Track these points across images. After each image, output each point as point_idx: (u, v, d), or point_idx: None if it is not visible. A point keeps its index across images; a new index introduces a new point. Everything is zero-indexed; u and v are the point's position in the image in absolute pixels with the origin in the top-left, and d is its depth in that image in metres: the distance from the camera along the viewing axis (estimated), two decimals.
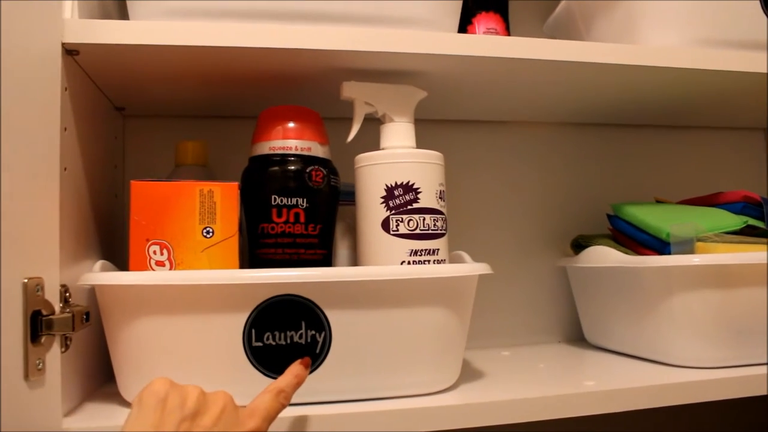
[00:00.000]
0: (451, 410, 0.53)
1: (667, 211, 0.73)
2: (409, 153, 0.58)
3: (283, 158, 0.58)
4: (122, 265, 0.62)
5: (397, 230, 0.56)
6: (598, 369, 0.67)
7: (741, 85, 0.70)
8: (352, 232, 0.64)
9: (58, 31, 0.50)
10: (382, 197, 0.57)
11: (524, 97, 0.74)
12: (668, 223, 0.67)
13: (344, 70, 0.60)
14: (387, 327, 0.53)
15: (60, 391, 0.48)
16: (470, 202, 0.84)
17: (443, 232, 0.58)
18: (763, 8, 0.67)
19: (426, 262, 0.57)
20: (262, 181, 0.58)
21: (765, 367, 0.62)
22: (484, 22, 0.71)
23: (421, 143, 0.61)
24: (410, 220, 0.57)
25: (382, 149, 0.60)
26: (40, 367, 0.44)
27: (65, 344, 0.49)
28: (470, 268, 0.56)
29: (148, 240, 0.53)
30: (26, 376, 0.43)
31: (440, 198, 0.58)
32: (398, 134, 0.60)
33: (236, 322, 0.51)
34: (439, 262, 0.57)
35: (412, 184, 0.57)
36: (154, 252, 0.53)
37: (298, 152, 0.58)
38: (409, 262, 0.56)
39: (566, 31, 0.78)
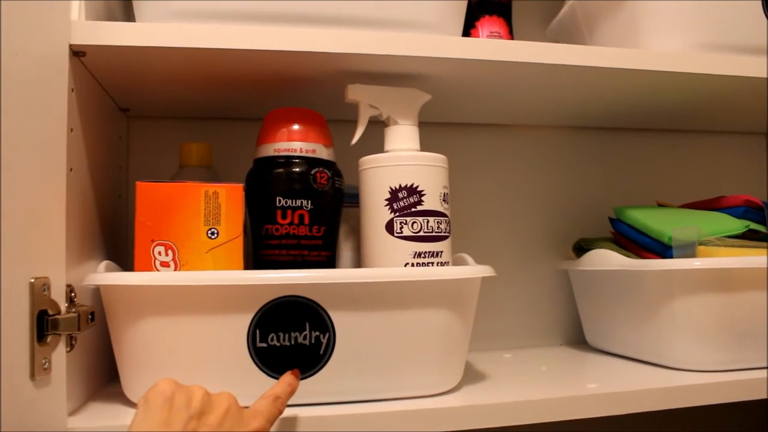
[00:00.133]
0: (454, 412, 0.53)
1: (669, 215, 0.73)
2: (413, 155, 0.59)
3: (288, 160, 0.58)
4: (125, 265, 0.63)
5: (401, 232, 0.57)
6: (600, 372, 0.67)
7: (743, 89, 0.70)
8: (356, 233, 0.65)
9: (66, 32, 0.50)
10: (386, 199, 0.57)
11: (527, 100, 0.74)
12: (670, 227, 0.67)
13: (349, 73, 0.60)
14: (390, 328, 0.54)
15: (65, 390, 0.48)
16: (473, 204, 0.84)
17: (447, 234, 0.59)
18: (764, 11, 0.67)
19: (429, 265, 0.57)
20: (266, 183, 0.58)
21: (765, 371, 0.63)
22: (487, 25, 0.71)
23: (424, 146, 0.61)
24: (414, 222, 0.57)
25: (387, 152, 0.60)
26: (45, 366, 0.45)
27: (70, 344, 0.49)
28: (473, 270, 0.57)
29: (153, 241, 0.53)
30: (32, 376, 0.43)
31: (444, 200, 0.59)
32: (402, 137, 0.60)
33: (241, 323, 0.51)
34: (442, 264, 0.58)
35: (416, 187, 0.57)
36: (159, 253, 0.53)
37: (302, 154, 0.58)
38: (412, 264, 0.56)
39: (569, 34, 0.78)
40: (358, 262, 0.64)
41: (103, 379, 0.61)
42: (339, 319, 0.53)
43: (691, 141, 0.93)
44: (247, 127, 0.74)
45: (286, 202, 0.57)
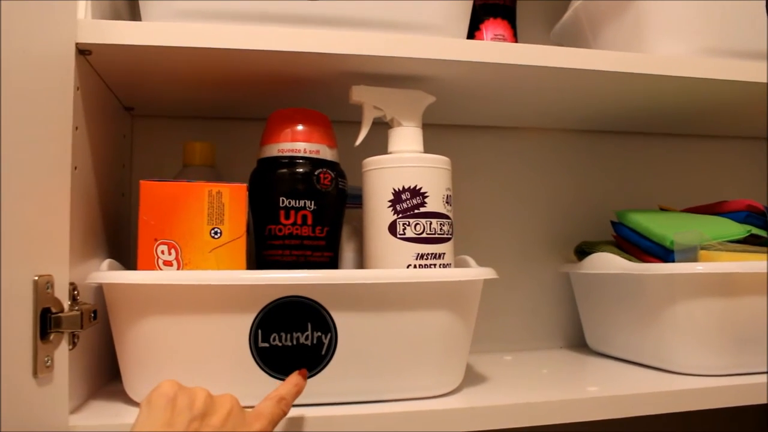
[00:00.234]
0: (455, 413, 0.53)
1: (671, 219, 0.73)
2: (416, 157, 0.59)
3: (292, 160, 0.58)
4: (128, 264, 0.63)
5: (404, 234, 0.57)
6: (601, 375, 0.67)
7: (745, 94, 0.70)
8: (359, 234, 0.65)
9: (72, 31, 0.50)
10: (389, 201, 0.57)
11: (531, 103, 0.74)
12: (672, 231, 0.67)
13: (353, 74, 0.60)
14: (392, 330, 0.54)
15: (67, 388, 0.48)
16: (475, 206, 0.84)
17: (449, 236, 0.59)
18: None
19: (432, 266, 0.57)
20: (270, 183, 0.58)
21: (766, 375, 0.63)
22: (491, 28, 0.71)
23: (427, 148, 0.61)
24: (417, 223, 0.57)
25: (390, 153, 0.60)
26: (48, 364, 0.45)
27: (73, 342, 0.49)
28: (476, 272, 0.57)
29: (156, 240, 0.53)
30: (35, 373, 0.43)
31: (447, 202, 0.59)
32: (406, 138, 0.60)
33: (243, 323, 0.51)
34: (444, 266, 0.58)
35: (420, 188, 0.57)
36: (162, 252, 0.53)
37: (306, 155, 0.58)
38: (415, 266, 0.57)
39: (573, 38, 0.78)
40: (361, 263, 0.64)
41: (105, 378, 0.61)
42: (341, 320, 0.53)
43: (694, 145, 0.93)
44: (250, 127, 0.75)
45: (289, 203, 0.57)
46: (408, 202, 0.57)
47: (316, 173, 0.58)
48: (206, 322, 0.51)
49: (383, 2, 0.57)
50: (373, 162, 0.59)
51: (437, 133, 0.81)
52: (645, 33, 0.68)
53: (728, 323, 0.63)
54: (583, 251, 0.80)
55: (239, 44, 0.53)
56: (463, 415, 0.53)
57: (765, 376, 0.63)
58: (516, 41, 0.73)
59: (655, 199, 0.90)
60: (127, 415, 0.51)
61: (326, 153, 0.60)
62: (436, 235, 0.57)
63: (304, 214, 0.57)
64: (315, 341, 0.52)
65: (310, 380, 0.52)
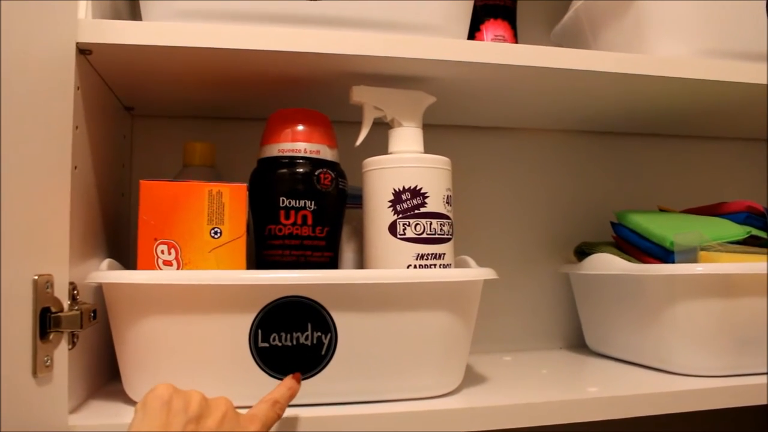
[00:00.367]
0: (455, 414, 0.53)
1: (671, 220, 0.73)
2: (417, 157, 0.59)
3: (292, 160, 0.58)
4: (128, 264, 0.63)
5: (404, 234, 0.57)
6: (601, 375, 0.67)
7: (745, 95, 0.71)
8: (358, 235, 0.65)
9: (73, 30, 0.50)
10: (389, 201, 0.57)
11: (531, 104, 0.74)
12: (672, 232, 0.67)
13: (354, 75, 0.60)
14: (392, 330, 0.54)
15: (67, 388, 0.48)
16: (475, 207, 0.84)
17: (449, 236, 0.59)
18: None
19: (432, 266, 0.57)
20: (270, 183, 0.58)
21: (766, 376, 0.63)
22: (492, 29, 0.71)
23: (428, 148, 0.61)
24: (417, 224, 0.57)
25: (391, 153, 0.60)
26: (48, 363, 0.45)
27: (72, 342, 0.49)
28: (476, 272, 0.57)
29: (156, 239, 0.53)
30: (34, 373, 0.43)
31: (447, 203, 0.59)
32: (406, 139, 0.60)
33: (243, 323, 0.51)
34: (444, 266, 0.58)
35: (420, 189, 0.57)
36: (162, 251, 0.53)
37: (307, 155, 0.58)
38: (415, 266, 0.57)
39: (574, 39, 0.78)
40: (361, 264, 0.64)
41: (104, 378, 0.61)
42: (341, 320, 0.53)
43: (694, 146, 0.93)
44: (251, 128, 0.75)
45: (289, 203, 0.57)
46: (408, 202, 0.57)
47: (316, 173, 0.58)
48: (206, 322, 0.51)
49: (384, 3, 0.57)
50: (373, 162, 0.59)
51: (437, 134, 0.81)
52: (645, 34, 0.68)
53: (728, 324, 0.63)
54: (582, 252, 0.80)
55: (240, 44, 0.53)
56: (463, 415, 0.53)
57: (765, 377, 0.63)
58: (516, 42, 0.73)
59: (655, 200, 0.90)
60: (127, 415, 0.51)
61: (326, 153, 0.60)
62: (437, 236, 0.57)
63: (304, 214, 0.57)
64: (315, 341, 0.52)
65: (310, 380, 0.52)
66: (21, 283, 0.41)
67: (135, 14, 0.67)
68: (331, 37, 0.55)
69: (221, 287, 0.51)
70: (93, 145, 0.57)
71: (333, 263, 0.60)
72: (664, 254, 0.68)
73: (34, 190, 0.43)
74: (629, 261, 0.70)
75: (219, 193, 0.54)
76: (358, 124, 0.61)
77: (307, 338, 0.52)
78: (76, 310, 0.48)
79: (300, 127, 0.59)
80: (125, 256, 0.68)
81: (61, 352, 0.47)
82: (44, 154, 0.45)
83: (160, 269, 0.53)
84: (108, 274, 0.51)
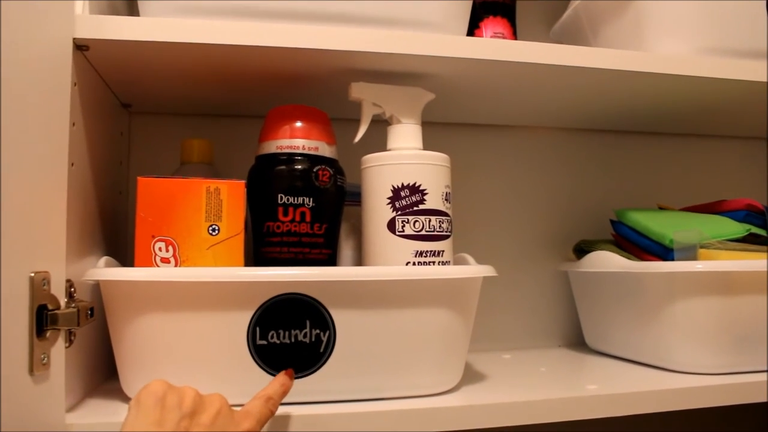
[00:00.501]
0: (453, 412, 0.53)
1: (670, 218, 0.73)
2: (416, 154, 0.59)
3: (290, 157, 0.58)
4: (125, 262, 0.63)
5: (403, 231, 0.57)
6: (600, 373, 0.67)
7: (745, 93, 0.70)
8: (357, 232, 0.65)
9: (70, 26, 0.50)
10: (388, 198, 0.57)
11: (530, 101, 0.74)
12: (672, 230, 0.67)
13: (353, 71, 0.60)
14: (391, 327, 0.53)
15: (64, 386, 0.48)
16: (473, 205, 0.84)
17: (448, 233, 0.58)
18: None
19: (431, 264, 0.57)
20: (268, 180, 0.58)
21: (765, 374, 0.63)
22: (491, 26, 0.71)
23: (426, 146, 0.61)
24: (416, 221, 0.57)
25: (389, 150, 0.60)
26: (44, 361, 0.44)
27: (69, 339, 0.49)
28: (475, 270, 0.56)
29: (153, 236, 0.53)
30: (31, 371, 0.43)
31: (446, 200, 0.59)
32: (405, 135, 0.60)
33: (241, 320, 0.51)
34: (443, 263, 0.58)
35: (419, 186, 0.57)
36: (160, 249, 0.53)
37: (305, 152, 0.58)
38: (414, 263, 0.56)
39: (573, 36, 0.78)
40: (359, 261, 0.64)
41: (102, 376, 0.61)
42: (339, 317, 0.52)
43: (693, 145, 0.93)
44: (248, 125, 0.74)
45: (287, 200, 0.57)
46: (407, 199, 0.57)
47: (314, 170, 0.58)
48: (204, 319, 0.51)
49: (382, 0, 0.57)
50: (372, 159, 0.59)
51: (436, 132, 0.80)
52: (645, 32, 0.68)
53: (727, 322, 0.63)
54: (582, 250, 0.80)
55: (238, 40, 0.53)
56: (462, 413, 0.53)
57: (764, 374, 0.62)
58: (515, 39, 0.73)
59: (655, 198, 0.90)
60: (124, 413, 0.50)
61: (325, 150, 0.59)
62: (435, 233, 0.57)
63: (302, 211, 0.57)
64: (313, 339, 0.52)
65: (308, 378, 0.52)
66: (17, 280, 0.41)
67: (133, 11, 0.67)
68: (330, 34, 0.54)
69: (219, 284, 0.51)
70: (90, 142, 0.56)
71: (331, 260, 0.60)
72: (663, 252, 0.68)
73: (31, 186, 0.43)
74: (628, 259, 0.70)
75: (217, 190, 0.54)
76: (357, 121, 0.61)
77: (305, 336, 0.52)
78: (73, 307, 0.48)
79: (298, 124, 0.59)
80: (123, 253, 0.68)
81: (58, 350, 0.47)
82: (41, 151, 0.45)
83: (158, 266, 0.53)
84: (105, 271, 0.51)
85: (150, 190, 0.53)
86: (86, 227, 0.55)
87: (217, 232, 0.54)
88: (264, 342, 0.51)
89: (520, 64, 0.59)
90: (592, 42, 0.75)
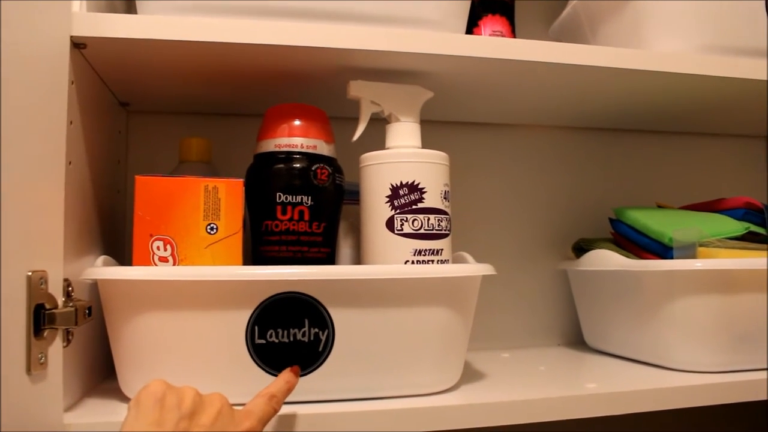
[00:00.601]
0: (453, 410, 0.53)
1: (669, 216, 0.73)
2: (414, 153, 0.59)
3: (289, 156, 0.58)
4: (123, 261, 0.62)
5: (402, 229, 0.56)
6: (599, 372, 0.67)
7: (744, 91, 0.70)
8: (355, 231, 0.64)
9: (67, 24, 0.50)
10: (387, 196, 0.57)
11: (528, 99, 0.74)
12: (671, 228, 0.67)
13: (351, 69, 0.60)
14: (390, 326, 0.53)
15: (61, 385, 0.48)
16: (472, 203, 0.84)
17: (447, 232, 0.58)
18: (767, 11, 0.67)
19: (430, 262, 0.57)
20: (267, 178, 0.58)
21: (765, 372, 0.63)
22: (490, 24, 0.71)
23: (425, 144, 0.61)
24: (415, 219, 0.57)
25: (388, 149, 0.60)
26: (42, 361, 0.44)
27: (67, 339, 0.49)
28: (474, 268, 0.56)
29: (151, 235, 0.53)
30: (28, 370, 0.42)
31: (445, 198, 0.58)
32: (404, 134, 0.60)
33: (239, 319, 0.51)
34: (442, 262, 0.57)
35: (417, 184, 0.57)
36: (158, 247, 0.53)
37: (303, 150, 0.58)
38: (412, 262, 0.56)
39: (572, 35, 0.78)
40: (358, 260, 0.64)
41: (100, 375, 0.61)
42: (338, 316, 0.52)
43: (692, 143, 0.93)
44: (247, 123, 0.74)
45: (286, 198, 0.57)
46: (406, 197, 0.57)
47: (313, 169, 0.58)
48: (202, 318, 0.51)
49: None
50: (370, 157, 0.59)
51: (435, 130, 0.80)
52: (643, 30, 0.68)
53: (726, 320, 0.63)
54: (580, 248, 0.80)
55: (236, 38, 0.53)
56: (461, 412, 0.53)
57: (763, 372, 0.62)
58: (514, 38, 0.72)
59: (654, 196, 0.90)
60: (123, 412, 0.50)
61: (323, 148, 0.59)
62: (434, 231, 0.57)
63: (301, 209, 0.57)
64: (312, 338, 0.52)
65: (307, 377, 0.52)
66: (15, 279, 0.41)
67: (130, 9, 0.66)
68: (329, 31, 0.54)
69: (217, 283, 0.50)
70: (88, 141, 0.56)
71: (330, 259, 0.60)
72: (662, 250, 0.68)
73: (28, 185, 0.43)
74: (627, 257, 0.70)
75: (215, 189, 0.54)
76: (356, 120, 0.60)
77: (304, 335, 0.52)
78: (71, 306, 0.47)
79: (297, 122, 0.59)
80: (120, 252, 0.68)
81: (56, 350, 0.46)
82: (38, 150, 0.44)
83: (156, 265, 0.53)
84: (103, 270, 0.51)
85: (148, 188, 0.53)
86: (84, 226, 0.55)
87: (215, 230, 0.54)
88: (263, 341, 0.51)
89: (518, 62, 0.59)
90: (590, 40, 0.75)
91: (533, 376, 0.65)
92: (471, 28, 0.70)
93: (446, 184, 0.59)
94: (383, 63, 0.59)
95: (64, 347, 0.48)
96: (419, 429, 0.52)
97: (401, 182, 0.57)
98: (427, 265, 0.56)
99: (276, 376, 0.51)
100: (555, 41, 0.70)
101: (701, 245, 0.66)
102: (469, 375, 0.64)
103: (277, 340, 0.51)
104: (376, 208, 0.57)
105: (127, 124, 0.74)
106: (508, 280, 0.84)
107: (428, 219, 0.57)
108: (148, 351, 0.51)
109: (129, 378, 0.52)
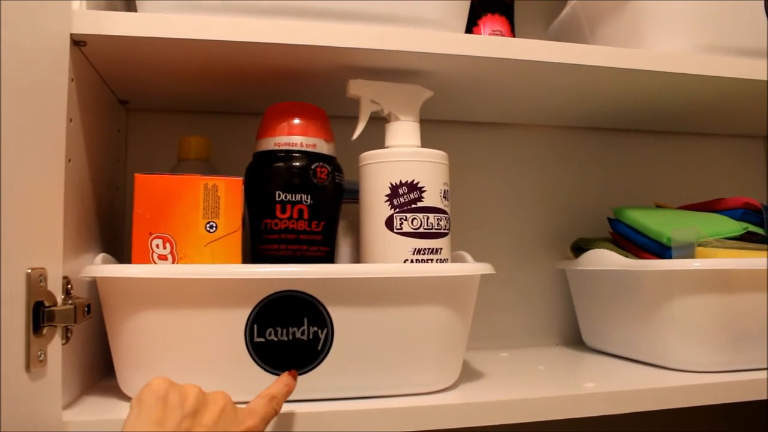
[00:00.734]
0: (451, 409, 0.53)
1: (668, 216, 0.73)
2: (414, 152, 0.59)
3: (288, 154, 0.58)
4: (122, 259, 0.62)
5: (401, 228, 0.56)
6: (597, 371, 0.67)
7: (743, 91, 0.70)
8: (355, 230, 0.64)
9: (67, 21, 0.49)
10: (386, 195, 0.57)
11: (528, 99, 0.74)
12: (669, 228, 0.67)
13: (351, 68, 0.60)
14: (389, 325, 0.53)
15: (60, 383, 0.47)
16: (471, 203, 0.84)
17: (446, 231, 0.58)
18: (767, 12, 0.67)
19: (429, 261, 0.57)
20: (266, 177, 0.58)
21: (764, 372, 0.63)
22: (489, 24, 0.71)
23: (425, 143, 0.61)
24: (414, 218, 0.57)
25: (387, 147, 0.60)
26: (41, 358, 0.44)
27: (66, 336, 0.49)
28: (473, 267, 0.56)
29: (151, 233, 0.53)
30: (27, 367, 0.42)
31: (444, 197, 0.58)
32: (403, 133, 0.60)
33: (238, 318, 0.51)
34: (441, 261, 0.58)
35: (417, 183, 0.57)
36: (157, 245, 0.53)
37: (303, 148, 0.58)
38: (412, 261, 0.56)
39: (571, 35, 0.78)
40: (357, 259, 0.64)
41: (99, 373, 0.61)
42: (337, 315, 0.52)
43: (691, 143, 0.93)
44: (246, 122, 0.74)
45: (285, 197, 0.57)
46: (405, 196, 0.57)
47: (312, 167, 0.58)
48: (201, 316, 0.51)
49: None
50: (370, 156, 0.59)
51: (434, 129, 0.80)
52: (643, 30, 0.68)
53: (725, 320, 0.63)
54: (579, 248, 0.80)
55: (235, 37, 0.53)
56: (460, 411, 0.53)
57: (763, 372, 0.63)
58: (513, 37, 0.73)
59: (652, 196, 0.90)
60: (121, 410, 0.50)
61: (323, 147, 0.59)
62: (434, 230, 0.57)
63: (300, 208, 0.57)
64: (311, 336, 0.52)
65: (306, 376, 0.52)
66: (14, 276, 0.41)
67: (130, 7, 0.66)
68: (328, 30, 0.54)
69: (217, 281, 0.50)
70: (87, 139, 0.56)
71: (329, 258, 0.60)
72: (661, 250, 0.68)
73: (28, 183, 0.43)
74: (626, 257, 0.70)
75: (214, 187, 0.54)
76: (355, 119, 0.60)
77: (303, 333, 0.52)
78: (70, 304, 0.47)
79: (296, 121, 0.59)
80: (120, 250, 0.68)
81: (55, 347, 0.46)
82: (38, 147, 0.44)
83: (155, 263, 0.53)
84: (102, 268, 0.51)
85: (147, 186, 0.53)
86: (83, 224, 0.55)
87: (214, 229, 0.54)
88: (262, 339, 0.51)
89: (518, 62, 0.59)
90: (590, 40, 0.75)
91: (532, 375, 0.65)
92: (470, 27, 0.70)
93: (446, 184, 0.59)
94: (383, 62, 0.59)
95: (63, 345, 0.48)
96: (418, 428, 0.52)
97: (401, 181, 0.57)
98: (426, 264, 0.56)
99: (275, 374, 0.51)
100: (554, 41, 0.70)
101: (700, 245, 0.66)
102: (468, 374, 0.64)
103: (276, 339, 0.51)
104: (376, 206, 0.57)
105: (126, 122, 0.74)
106: (506, 279, 0.84)
107: (427, 218, 0.57)
108: (147, 349, 0.51)
109: (128, 376, 0.52)
